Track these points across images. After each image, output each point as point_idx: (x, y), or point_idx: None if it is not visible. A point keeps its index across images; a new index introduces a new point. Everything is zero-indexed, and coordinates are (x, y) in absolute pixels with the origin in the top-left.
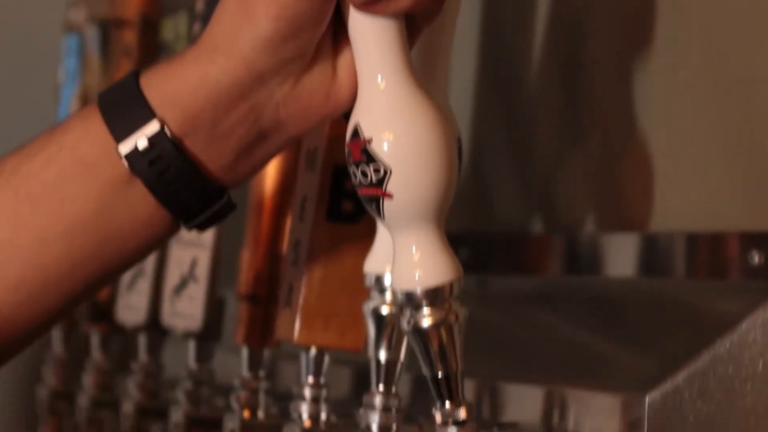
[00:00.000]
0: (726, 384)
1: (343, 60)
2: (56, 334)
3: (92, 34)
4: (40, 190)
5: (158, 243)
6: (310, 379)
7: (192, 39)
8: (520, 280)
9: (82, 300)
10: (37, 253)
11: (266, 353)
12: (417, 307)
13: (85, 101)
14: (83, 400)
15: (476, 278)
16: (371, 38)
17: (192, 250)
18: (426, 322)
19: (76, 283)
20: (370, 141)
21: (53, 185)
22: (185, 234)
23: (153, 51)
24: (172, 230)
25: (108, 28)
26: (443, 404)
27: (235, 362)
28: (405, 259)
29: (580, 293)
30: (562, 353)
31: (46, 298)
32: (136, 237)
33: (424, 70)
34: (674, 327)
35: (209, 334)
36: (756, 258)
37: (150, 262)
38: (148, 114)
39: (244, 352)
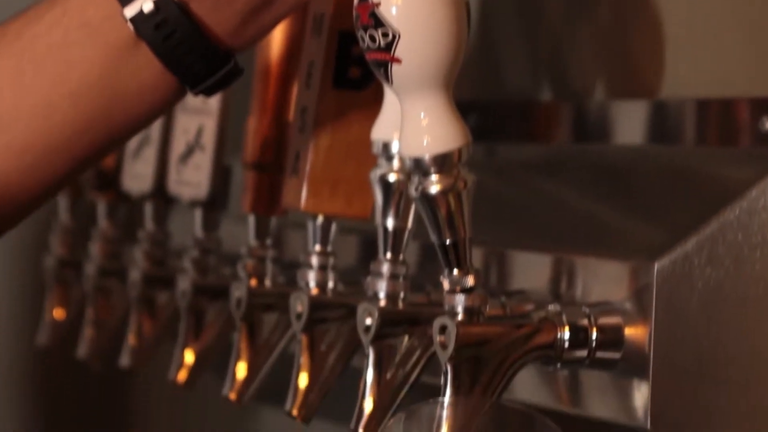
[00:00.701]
0: (735, 250)
1: None
2: (62, 203)
3: None
4: (45, 53)
5: (164, 108)
6: (317, 247)
7: None
8: (528, 148)
9: (88, 165)
10: (42, 117)
11: (273, 222)
12: (425, 174)
13: None
14: (90, 269)
15: (484, 146)
16: None
17: (198, 118)
18: (434, 188)
19: (81, 148)
20: (378, 5)
21: (58, 49)
22: (191, 101)
23: None
24: (177, 95)
25: None
26: (451, 271)
27: (241, 231)
28: (413, 125)
29: (588, 161)
30: (570, 221)
31: (51, 163)
32: (142, 102)
33: None
34: (683, 194)
35: (216, 203)
36: (767, 124)
37: (156, 130)
38: None
39: (251, 220)
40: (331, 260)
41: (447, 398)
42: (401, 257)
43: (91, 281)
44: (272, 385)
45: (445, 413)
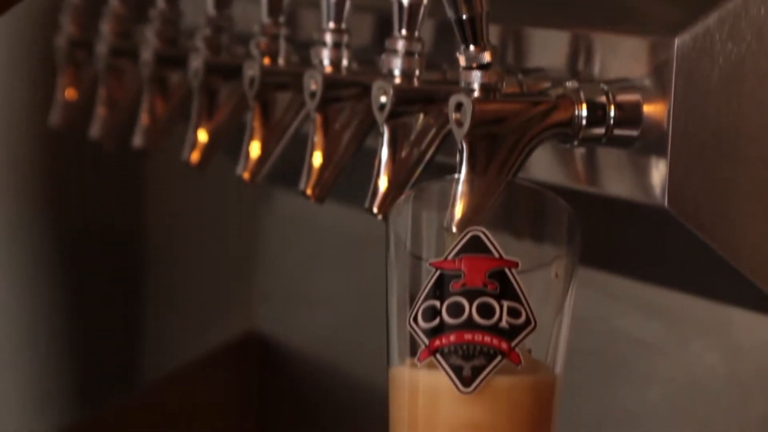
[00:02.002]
0: (757, 25)
1: None
2: None
3: None
4: None
5: None
6: (331, 24)
7: None
8: None
9: None
10: None
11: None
12: None
13: None
14: (101, 49)
15: None
16: None
17: None
18: None
19: None
20: None
21: None
22: None
23: None
24: None
25: None
26: (467, 47)
27: (254, 10)
28: None
29: None
30: None
31: None
32: None
33: None
34: None
35: None
36: None
37: None
38: None
39: None
40: (346, 38)
41: (461, 174)
42: (417, 34)
43: (103, 61)
44: (286, 167)
45: (459, 190)
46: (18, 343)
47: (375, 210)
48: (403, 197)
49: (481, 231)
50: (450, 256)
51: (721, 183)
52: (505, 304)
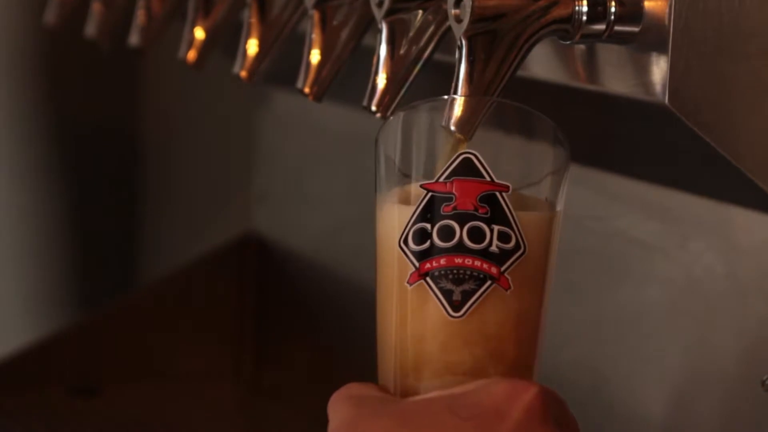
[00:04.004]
0: None
1: None
2: None
3: None
4: None
5: None
6: None
7: None
8: None
9: None
10: None
11: None
12: None
13: None
14: None
15: None
16: None
17: None
18: None
19: None
20: None
21: None
22: None
23: None
24: None
25: None
26: None
27: None
28: None
29: None
30: None
31: None
32: None
33: None
34: None
35: None
36: None
37: None
38: None
39: None
40: None
41: (459, 71)
42: None
43: None
44: (284, 67)
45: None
46: (20, 243)
47: (373, 108)
48: (392, 117)
49: (472, 153)
50: (441, 178)
51: (722, 79)
52: (496, 228)
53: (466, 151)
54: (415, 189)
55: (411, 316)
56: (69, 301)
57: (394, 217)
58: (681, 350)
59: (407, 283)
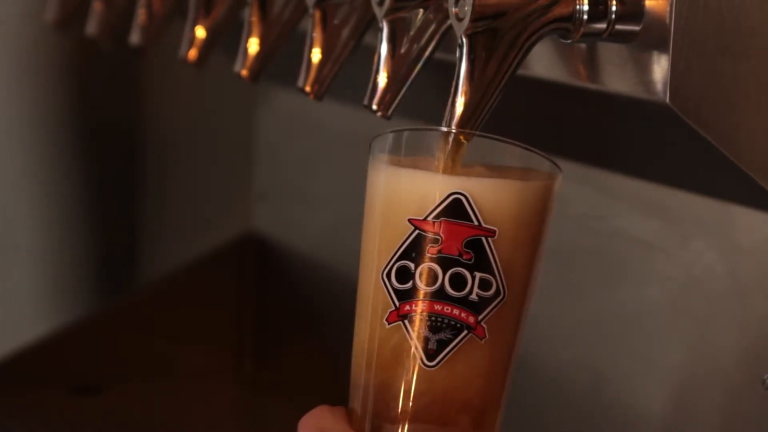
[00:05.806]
0: None
1: None
2: None
3: None
4: None
5: None
6: None
7: None
8: None
9: None
10: None
11: None
12: None
13: None
14: None
15: None
16: None
17: None
18: None
19: None
20: None
21: None
22: None
23: None
24: None
25: None
26: None
27: None
28: None
29: None
30: None
31: None
32: None
33: None
34: None
35: None
36: None
37: None
38: None
39: None
40: None
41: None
42: None
43: None
44: (284, 66)
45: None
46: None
47: (374, 106)
48: (380, 136)
49: (462, 195)
50: (430, 217)
51: (723, 79)
52: (478, 275)
53: (456, 191)
54: (405, 160)
55: (387, 355)
56: (69, 301)
57: (382, 179)
58: (681, 350)
59: (386, 320)
